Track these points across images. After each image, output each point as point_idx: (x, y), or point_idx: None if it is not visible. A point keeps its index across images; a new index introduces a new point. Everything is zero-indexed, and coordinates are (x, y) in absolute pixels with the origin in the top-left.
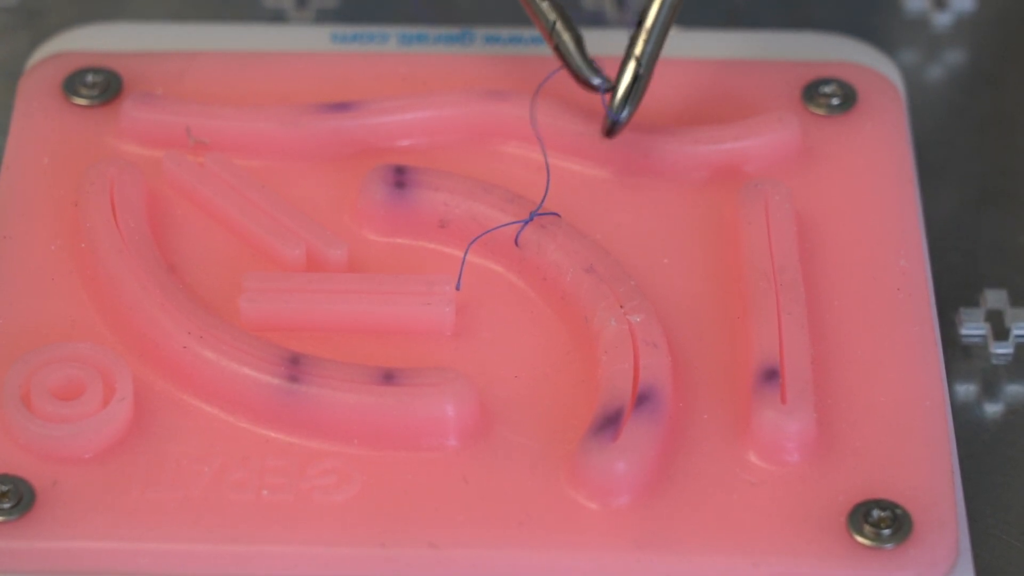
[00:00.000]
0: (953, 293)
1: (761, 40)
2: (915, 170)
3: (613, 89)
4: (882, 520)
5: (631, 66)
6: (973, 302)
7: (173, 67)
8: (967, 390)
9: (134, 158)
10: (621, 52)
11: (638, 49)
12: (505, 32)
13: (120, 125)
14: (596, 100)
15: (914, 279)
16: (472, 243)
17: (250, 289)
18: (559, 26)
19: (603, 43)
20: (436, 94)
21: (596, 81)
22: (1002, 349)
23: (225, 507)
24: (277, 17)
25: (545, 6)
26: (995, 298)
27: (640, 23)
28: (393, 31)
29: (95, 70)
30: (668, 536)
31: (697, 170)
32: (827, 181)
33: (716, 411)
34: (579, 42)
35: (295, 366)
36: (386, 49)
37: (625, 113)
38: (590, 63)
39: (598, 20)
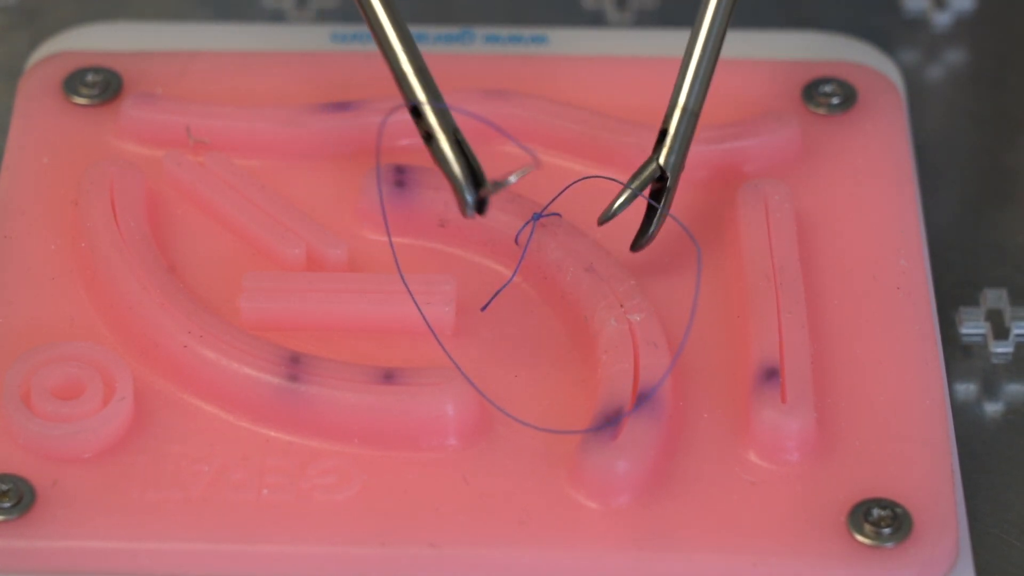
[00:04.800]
0: (953, 292)
1: (761, 40)
2: (915, 170)
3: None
4: (882, 519)
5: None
6: (973, 301)
7: (173, 67)
8: (967, 390)
9: (134, 158)
10: (621, 52)
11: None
12: (505, 32)
13: (120, 125)
14: (598, 101)
15: (914, 278)
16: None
17: (250, 289)
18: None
19: (603, 43)
20: None
21: (469, 198)
22: (1002, 348)
23: (225, 507)
24: (277, 17)
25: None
26: (995, 297)
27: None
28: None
29: (95, 69)
30: (668, 535)
31: (697, 170)
32: (827, 181)
33: (716, 410)
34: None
35: (295, 365)
36: None
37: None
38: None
39: (598, 20)
